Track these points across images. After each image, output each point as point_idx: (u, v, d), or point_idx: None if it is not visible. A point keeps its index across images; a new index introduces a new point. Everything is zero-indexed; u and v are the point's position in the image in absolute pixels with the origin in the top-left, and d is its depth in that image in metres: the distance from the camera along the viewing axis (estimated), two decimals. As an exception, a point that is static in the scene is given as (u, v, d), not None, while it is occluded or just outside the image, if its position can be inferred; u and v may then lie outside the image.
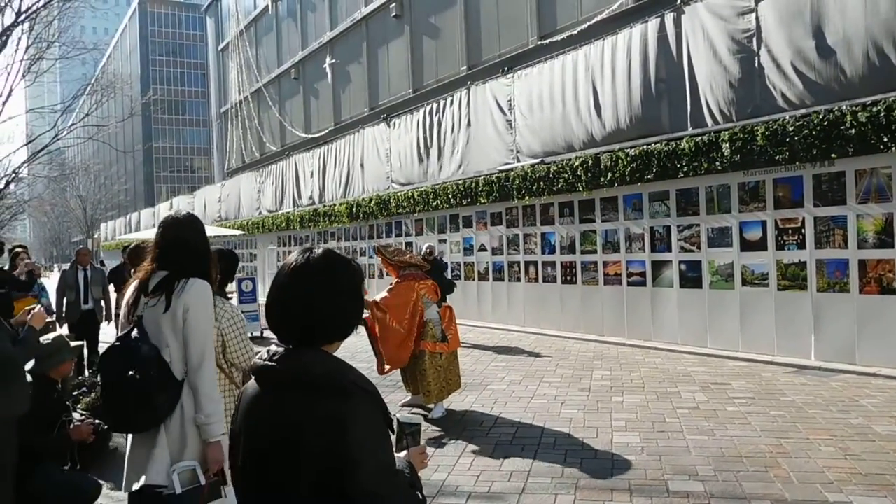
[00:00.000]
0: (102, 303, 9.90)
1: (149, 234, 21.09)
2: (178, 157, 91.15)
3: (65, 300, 9.45)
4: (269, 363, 1.61)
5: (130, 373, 2.75)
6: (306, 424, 1.53)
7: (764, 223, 9.18)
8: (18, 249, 9.06)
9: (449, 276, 12.75)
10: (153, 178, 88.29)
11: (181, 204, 36.42)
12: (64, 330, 9.15)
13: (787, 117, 8.67)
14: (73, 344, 5.30)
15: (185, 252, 2.96)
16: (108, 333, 10.04)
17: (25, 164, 30.86)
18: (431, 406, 7.06)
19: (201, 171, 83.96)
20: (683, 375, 8.39)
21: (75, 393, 6.58)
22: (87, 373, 8.64)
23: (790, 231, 8.87)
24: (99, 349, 9.59)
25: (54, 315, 9.20)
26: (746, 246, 9.38)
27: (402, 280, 7.21)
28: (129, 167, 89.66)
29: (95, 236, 63.28)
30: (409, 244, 16.42)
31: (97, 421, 5.28)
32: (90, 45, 30.72)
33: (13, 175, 30.82)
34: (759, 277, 9.25)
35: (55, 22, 27.54)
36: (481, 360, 10.08)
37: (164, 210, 39.54)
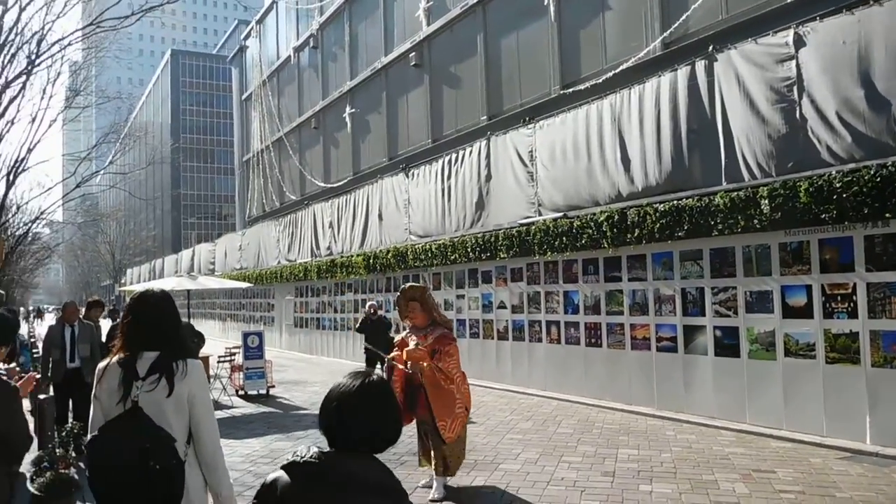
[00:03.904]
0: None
1: (165, 282, 20.65)
2: (206, 205, 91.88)
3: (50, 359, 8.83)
4: (313, 460, 1.77)
5: (151, 462, 2.63)
6: None
7: (809, 288, 8.30)
8: None
9: (392, 334, 11.94)
10: (181, 225, 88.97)
11: (203, 252, 36.16)
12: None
13: (834, 172, 7.88)
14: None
15: (169, 330, 2.93)
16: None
17: (52, 208, 31.23)
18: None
19: (230, 219, 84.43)
20: (721, 458, 7.46)
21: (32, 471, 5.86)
22: (65, 432, 7.89)
23: (839, 298, 7.99)
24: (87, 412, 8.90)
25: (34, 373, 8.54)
26: (789, 313, 8.49)
27: (445, 341, 6.38)
28: (157, 213, 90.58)
29: (122, 281, 63.49)
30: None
31: None
32: (123, 94, 31.11)
33: (36, 219, 31.15)
34: (804, 348, 8.34)
35: (82, 71, 27.97)
36: (496, 431, 9.23)
37: (186, 258, 39.31)
